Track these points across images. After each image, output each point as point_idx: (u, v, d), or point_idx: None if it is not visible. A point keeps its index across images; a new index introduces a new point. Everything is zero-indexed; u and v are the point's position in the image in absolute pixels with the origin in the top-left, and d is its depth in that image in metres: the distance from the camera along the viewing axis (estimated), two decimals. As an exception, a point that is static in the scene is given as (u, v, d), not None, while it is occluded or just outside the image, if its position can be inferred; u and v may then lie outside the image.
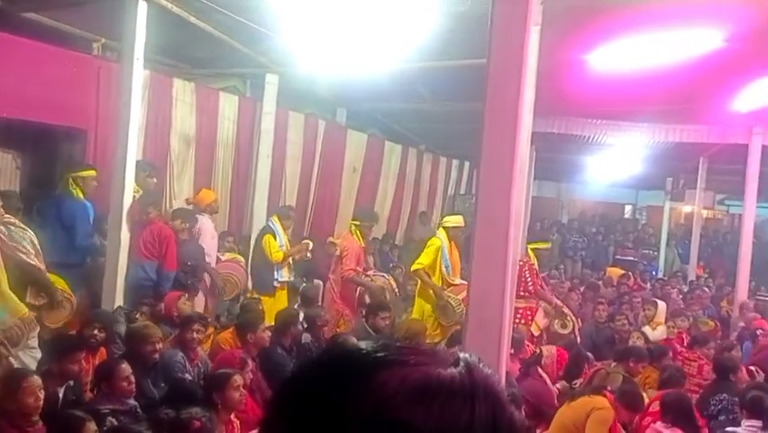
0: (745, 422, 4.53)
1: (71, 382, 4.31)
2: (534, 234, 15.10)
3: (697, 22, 5.91)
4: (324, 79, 8.70)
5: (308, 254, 8.10)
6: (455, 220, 7.89)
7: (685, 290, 11.95)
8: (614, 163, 13.46)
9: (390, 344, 0.72)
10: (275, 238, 7.60)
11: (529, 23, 2.53)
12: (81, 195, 6.04)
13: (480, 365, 0.69)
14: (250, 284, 7.74)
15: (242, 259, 7.82)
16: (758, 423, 4.47)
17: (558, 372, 6.29)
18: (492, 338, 2.57)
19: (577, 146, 12.56)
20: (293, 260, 7.91)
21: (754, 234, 10.76)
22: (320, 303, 7.64)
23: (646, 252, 16.57)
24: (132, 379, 4.14)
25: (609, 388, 5.07)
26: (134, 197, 6.13)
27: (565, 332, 7.87)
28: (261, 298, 7.31)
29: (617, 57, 6.79)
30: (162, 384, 4.68)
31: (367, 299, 7.47)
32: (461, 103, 9.75)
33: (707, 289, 11.74)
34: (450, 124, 12.25)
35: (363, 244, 7.89)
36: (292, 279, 7.93)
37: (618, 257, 15.39)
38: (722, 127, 10.29)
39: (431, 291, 7.38)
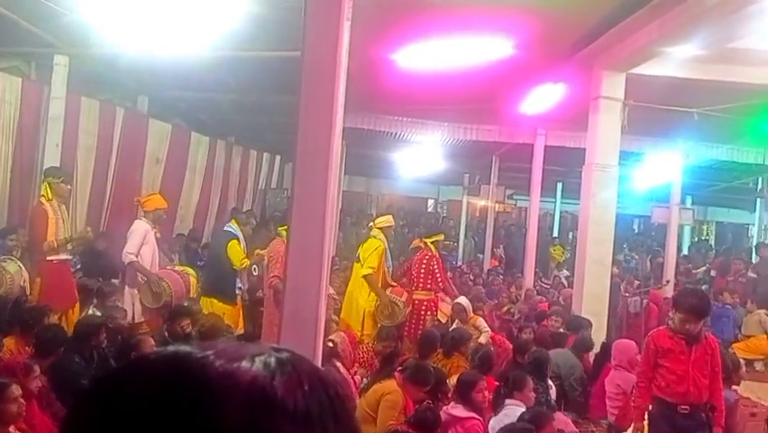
0: (509, 401, 4.72)
1: None
2: (344, 227, 15.35)
3: (491, 29, 6.41)
4: (123, 63, 8.06)
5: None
6: (387, 220, 7.80)
7: (482, 277, 12.95)
8: (418, 160, 14.19)
9: (209, 343, 0.61)
10: (239, 243, 7.25)
11: (344, 17, 2.54)
12: None
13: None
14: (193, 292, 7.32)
15: (190, 273, 7.37)
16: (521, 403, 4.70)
17: (354, 355, 6.43)
18: (308, 331, 2.58)
19: (385, 142, 13.04)
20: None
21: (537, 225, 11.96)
22: (118, 303, 7.06)
23: (447, 243, 17.69)
24: None
25: (400, 368, 5.14)
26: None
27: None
28: (224, 307, 7.11)
29: (419, 57, 7.13)
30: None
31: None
32: (271, 95, 9.62)
33: (499, 277, 12.86)
34: (260, 117, 12.05)
35: None
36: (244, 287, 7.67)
37: (422, 248, 16.17)
38: (511, 128, 11.31)
39: (376, 296, 7.26)
